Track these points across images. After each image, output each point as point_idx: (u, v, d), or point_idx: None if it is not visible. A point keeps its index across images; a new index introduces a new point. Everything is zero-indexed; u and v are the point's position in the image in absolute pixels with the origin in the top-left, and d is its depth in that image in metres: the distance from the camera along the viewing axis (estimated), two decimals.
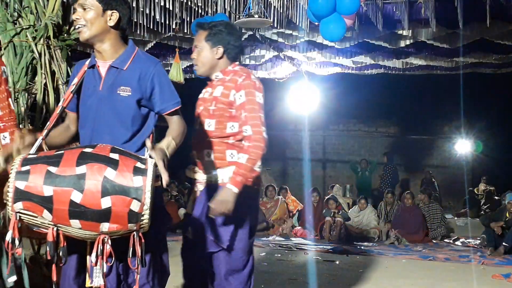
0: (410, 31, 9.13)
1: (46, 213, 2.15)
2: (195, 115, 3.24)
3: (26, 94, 4.29)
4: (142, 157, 2.31)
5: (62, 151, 2.26)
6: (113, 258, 2.24)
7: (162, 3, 7.62)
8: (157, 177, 2.35)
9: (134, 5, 7.46)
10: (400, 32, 9.26)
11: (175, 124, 2.57)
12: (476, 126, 14.79)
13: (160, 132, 2.60)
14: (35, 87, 4.30)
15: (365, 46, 10.20)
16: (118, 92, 2.48)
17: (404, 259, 7.45)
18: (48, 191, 2.13)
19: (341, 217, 9.66)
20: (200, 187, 3.13)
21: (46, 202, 2.14)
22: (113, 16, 2.49)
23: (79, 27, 2.48)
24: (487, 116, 14.28)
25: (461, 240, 9.55)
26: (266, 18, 7.44)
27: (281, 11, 7.92)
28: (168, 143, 2.43)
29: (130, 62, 2.52)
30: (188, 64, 10.82)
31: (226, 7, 7.83)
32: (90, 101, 2.53)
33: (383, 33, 9.11)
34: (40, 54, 4.28)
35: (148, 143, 2.33)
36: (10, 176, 2.16)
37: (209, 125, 3.11)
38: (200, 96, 3.28)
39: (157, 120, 2.62)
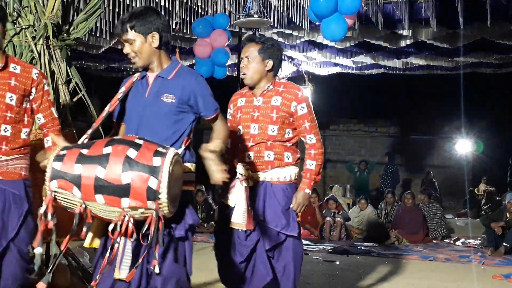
0: (411, 31, 9.11)
1: (75, 189, 2.44)
2: (241, 118, 3.60)
3: None
4: (165, 145, 2.58)
5: (95, 140, 2.61)
6: (134, 235, 2.47)
7: (162, 3, 7.60)
8: (190, 182, 2.79)
9: (134, 5, 7.45)
10: (400, 32, 9.25)
11: (219, 127, 2.91)
12: (477, 126, 14.77)
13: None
14: None
15: (365, 46, 10.20)
16: (162, 98, 2.79)
17: (404, 260, 7.44)
18: (78, 169, 2.44)
19: (341, 217, 9.64)
20: (250, 183, 3.47)
21: (76, 179, 2.43)
22: (154, 38, 2.80)
23: (132, 59, 2.84)
24: (487, 116, 14.26)
25: (461, 240, 9.53)
26: (266, 18, 7.43)
27: (281, 11, 7.92)
28: (217, 145, 2.75)
29: (174, 73, 2.85)
30: (188, 64, 10.81)
31: (226, 7, 7.83)
32: (136, 106, 2.85)
33: (384, 33, 9.10)
34: (39, 54, 4.27)
35: (205, 152, 2.66)
36: (49, 159, 2.49)
37: (273, 130, 3.50)
38: (246, 104, 3.63)
39: (195, 123, 2.91)
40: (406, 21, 8.12)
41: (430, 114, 15.53)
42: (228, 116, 3.71)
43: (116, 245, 2.59)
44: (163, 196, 2.41)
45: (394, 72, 12.14)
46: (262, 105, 3.54)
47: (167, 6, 7.68)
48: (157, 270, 2.55)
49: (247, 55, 3.54)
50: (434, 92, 14.48)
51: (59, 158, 2.48)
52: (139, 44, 2.79)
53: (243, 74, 3.57)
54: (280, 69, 3.66)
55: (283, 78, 12.73)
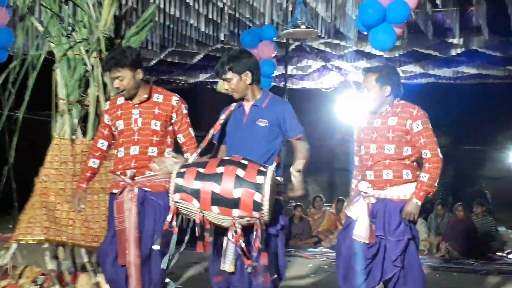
0: (462, 39, 8.94)
1: (195, 201, 3.01)
2: (362, 139, 3.86)
3: (79, 106, 4.42)
4: (265, 165, 3.14)
5: (208, 160, 3.22)
6: (243, 239, 3.04)
7: (211, 16, 7.71)
8: (281, 192, 3.32)
9: (183, 18, 7.59)
10: (451, 40, 9.08)
11: (301, 147, 3.41)
12: None
13: None
14: (88, 99, 4.41)
15: (414, 55, 10.06)
16: (257, 123, 3.40)
17: (455, 273, 7.27)
18: (197, 184, 3.00)
19: None
20: (372, 200, 3.75)
21: (195, 193, 3.00)
22: (247, 76, 3.40)
23: (231, 93, 3.44)
24: None
25: None
26: (313, 28, 7.43)
27: (329, 21, 7.90)
28: (302, 164, 3.26)
29: (266, 102, 3.45)
30: None
31: (273, 18, 7.87)
32: (236, 130, 3.47)
33: (433, 41, 8.96)
34: (92, 67, 4.40)
35: (294, 172, 3.20)
36: (172, 176, 3.07)
37: (389, 149, 3.71)
38: (367, 125, 3.87)
39: (283, 143, 3.48)
40: (457, 29, 7.98)
41: (482, 124, 15.16)
42: (355, 136, 4.03)
43: (224, 244, 3.19)
44: (265, 207, 2.97)
45: (444, 81, 11.92)
46: (380, 126, 3.78)
47: (215, 18, 7.79)
48: (249, 269, 3.13)
49: (365, 85, 3.83)
50: (487, 101, 14.13)
51: (180, 175, 3.06)
52: (235, 82, 3.40)
53: (365, 103, 3.86)
54: (400, 90, 3.88)
55: (330, 88, 12.75)
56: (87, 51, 4.41)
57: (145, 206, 3.62)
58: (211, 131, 3.44)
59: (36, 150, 4.78)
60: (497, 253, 9.31)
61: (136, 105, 3.69)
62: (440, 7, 7.60)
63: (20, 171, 4.54)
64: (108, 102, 3.87)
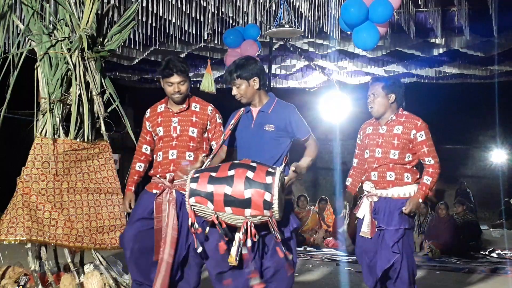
0: (443, 39, 9.02)
1: (209, 203, 3.21)
2: (368, 144, 4.25)
3: (61, 105, 4.37)
4: (273, 166, 3.33)
5: (220, 164, 3.42)
6: (257, 237, 3.22)
7: (193, 15, 7.68)
8: (290, 192, 3.55)
9: (166, 17, 7.55)
10: (433, 40, 9.15)
11: (310, 147, 3.67)
12: None
13: None
14: (70, 98, 4.37)
15: (397, 54, 10.12)
16: (264, 128, 3.62)
17: (438, 271, 7.33)
18: (210, 188, 3.20)
19: None
20: (375, 198, 4.13)
21: (209, 196, 3.20)
22: (255, 82, 3.64)
23: (239, 98, 3.68)
24: None
25: (496, 251, 9.34)
26: (297, 28, 7.44)
27: (312, 20, 7.92)
28: (307, 161, 3.56)
29: (272, 107, 3.67)
30: (220, 75, 10.87)
31: (257, 17, 7.87)
32: (245, 135, 3.71)
33: (416, 41, 9.02)
34: (74, 66, 4.35)
35: (292, 168, 3.39)
36: (187, 181, 3.28)
37: (394, 154, 4.10)
38: (373, 131, 4.26)
39: (291, 146, 3.68)
40: (438, 29, 8.05)
41: (464, 123, 15.30)
42: (358, 141, 4.44)
43: (236, 242, 3.32)
44: (275, 206, 3.15)
45: (427, 81, 12.01)
46: (386, 133, 4.17)
47: (198, 17, 7.77)
48: (282, 254, 3.35)
49: (373, 92, 4.20)
50: (468, 101, 14.26)
51: (194, 179, 3.26)
52: (244, 88, 3.62)
53: (371, 108, 4.22)
54: (403, 102, 4.27)
55: (313, 87, 12.77)
56: (69, 49, 4.37)
57: (182, 210, 3.81)
58: (222, 137, 3.71)
59: (18, 149, 4.73)
60: (480, 252, 9.41)
61: (176, 114, 4.00)
62: (422, 7, 7.65)
63: (2, 171, 4.49)
64: (148, 110, 4.14)
